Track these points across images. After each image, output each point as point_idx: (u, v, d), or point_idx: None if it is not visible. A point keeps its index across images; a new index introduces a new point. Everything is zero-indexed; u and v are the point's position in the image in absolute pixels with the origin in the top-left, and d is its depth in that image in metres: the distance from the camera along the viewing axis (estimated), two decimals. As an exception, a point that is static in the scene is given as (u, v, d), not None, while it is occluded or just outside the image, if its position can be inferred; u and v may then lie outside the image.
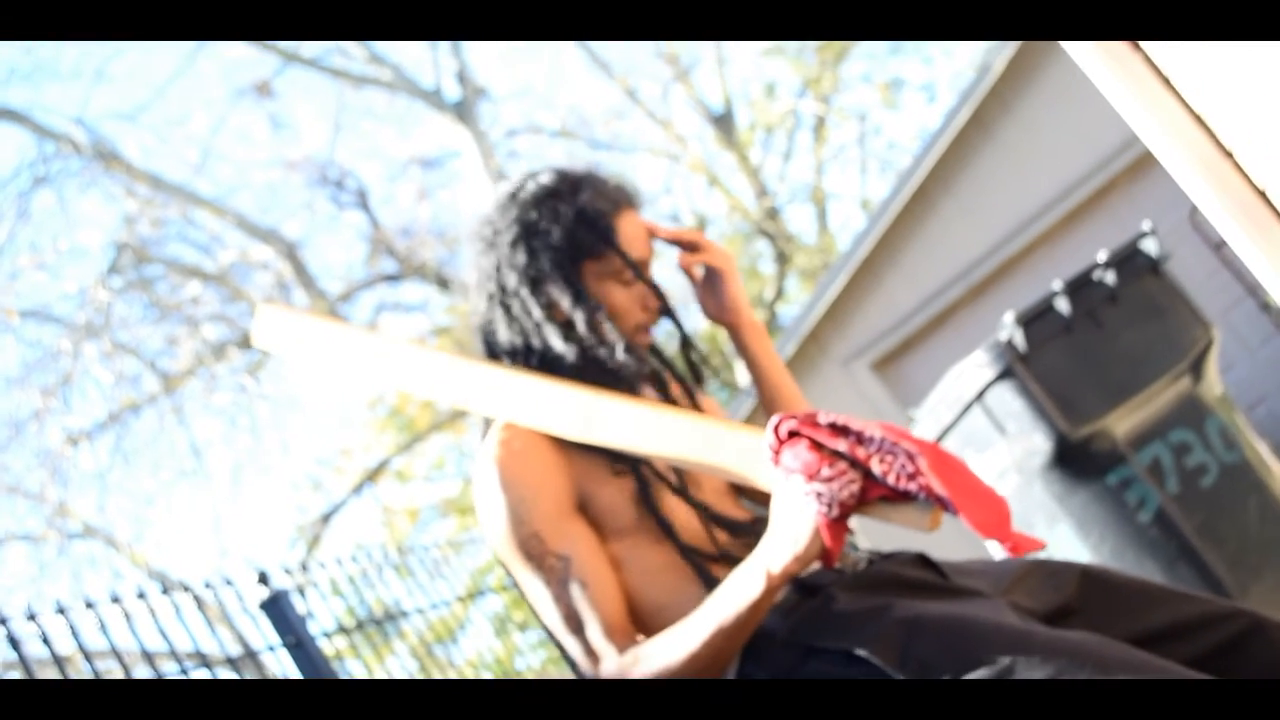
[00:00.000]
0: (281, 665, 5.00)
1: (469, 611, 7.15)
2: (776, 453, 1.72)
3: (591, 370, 2.09)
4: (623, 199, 2.21)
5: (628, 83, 22.31)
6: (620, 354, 2.09)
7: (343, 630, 5.58)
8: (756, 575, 1.74)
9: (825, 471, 1.65)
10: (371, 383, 2.65)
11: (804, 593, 1.92)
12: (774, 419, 1.73)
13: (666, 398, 2.23)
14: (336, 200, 21.30)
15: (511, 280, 2.11)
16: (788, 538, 1.70)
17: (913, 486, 1.62)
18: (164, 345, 19.79)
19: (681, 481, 2.05)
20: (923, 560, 1.97)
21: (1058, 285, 4.91)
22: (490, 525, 2.00)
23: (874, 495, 1.66)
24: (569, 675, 7.34)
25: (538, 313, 2.10)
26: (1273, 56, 2.29)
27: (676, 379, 2.25)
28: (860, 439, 1.66)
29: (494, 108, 22.34)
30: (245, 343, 19.93)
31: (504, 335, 2.13)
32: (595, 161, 2.23)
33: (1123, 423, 4.77)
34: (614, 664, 1.87)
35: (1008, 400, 4.85)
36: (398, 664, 5.97)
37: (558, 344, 2.09)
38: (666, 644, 1.83)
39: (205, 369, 19.34)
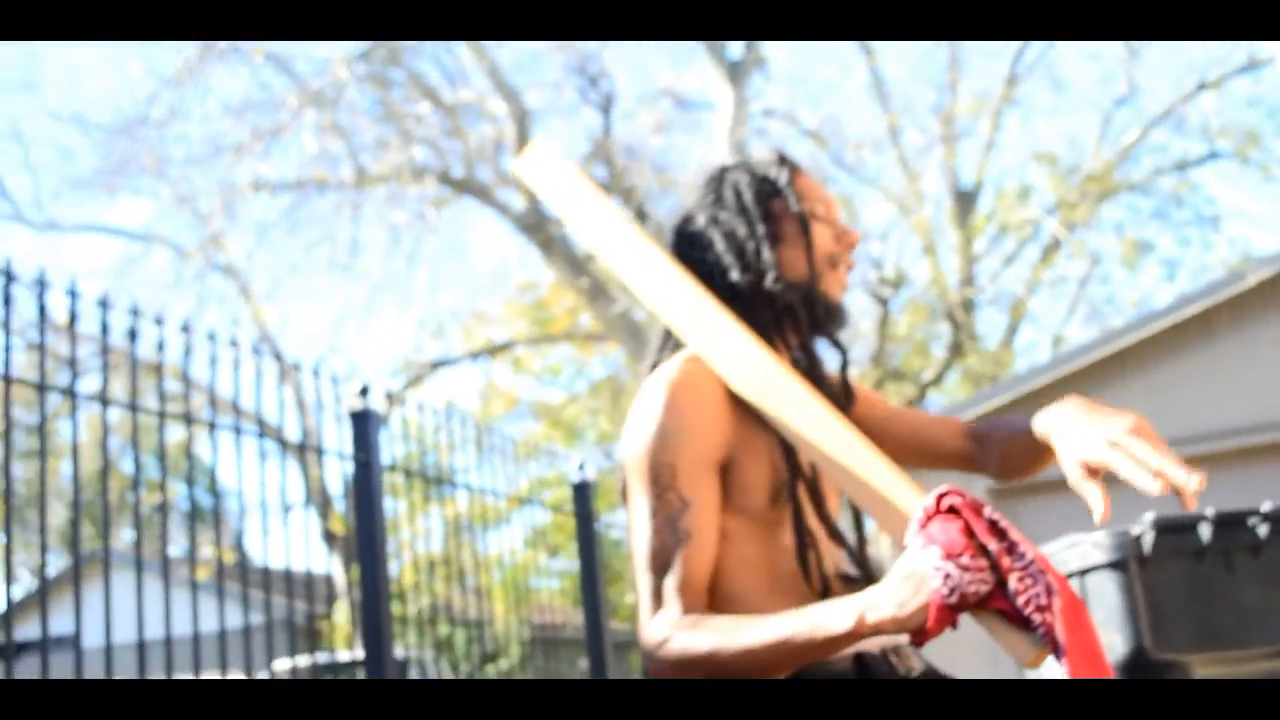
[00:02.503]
0: (341, 475, 5.10)
1: (514, 511, 7.21)
2: (928, 518, 1.69)
3: (751, 297, 2.10)
4: (798, 165, 2.23)
5: (897, 121, 22.14)
6: (771, 281, 2.08)
7: (404, 471, 5.67)
8: (849, 614, 1.70)
9: (965, 560, 1.62)
10: (596, 252, 2.66)
11: (856, 664, 1.91)
12: (943, 487, 1.71)
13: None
14: (583, 93, 21.46)
15: (707, 216, 2.18)
16: (897, 598, 1.66)
17: (1037, 618, 1.59)
18: (373, 144, 20.12)
19: (824, 505, 2.03)
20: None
21: (1209, 512, 4.77)
22: (635, 437, 1.99)
23: (996, 605, 1.63)
24: (568, 619, 7.39)
25: (740, 232, 2.13)
26: None
27: (827, 393, 2.22)
28: (1011, 549, 1.64)
29: (765, 82, 22.27)
30: (444, 176, 20.24)
31: (702, 266, 2.15)
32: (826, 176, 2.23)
33: (1204, 666, 4.64)
34: (675, 617, 1.85)
35: (1108, 590, 4.74)
36: (430, 525, 6.05)
37: (734, 271, 2.11)
38: (731, 627, 1.80)
39: (398, 184, 19.62)
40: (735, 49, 21.24)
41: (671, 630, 1.84)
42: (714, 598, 1.95)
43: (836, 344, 2.22)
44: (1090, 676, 1.58)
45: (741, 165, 2.22)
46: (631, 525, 1.99)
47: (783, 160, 2.20)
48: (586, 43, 21.46)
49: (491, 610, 7.05)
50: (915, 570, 1.66)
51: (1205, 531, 4.71)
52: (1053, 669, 1.61)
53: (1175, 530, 4.69)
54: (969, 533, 1.65)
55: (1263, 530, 4.75)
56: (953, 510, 1.68)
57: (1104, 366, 10.25)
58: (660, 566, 1.90)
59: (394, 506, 5.84)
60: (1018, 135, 32.00)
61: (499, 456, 6.58)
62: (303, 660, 7.96)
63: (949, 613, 1.62)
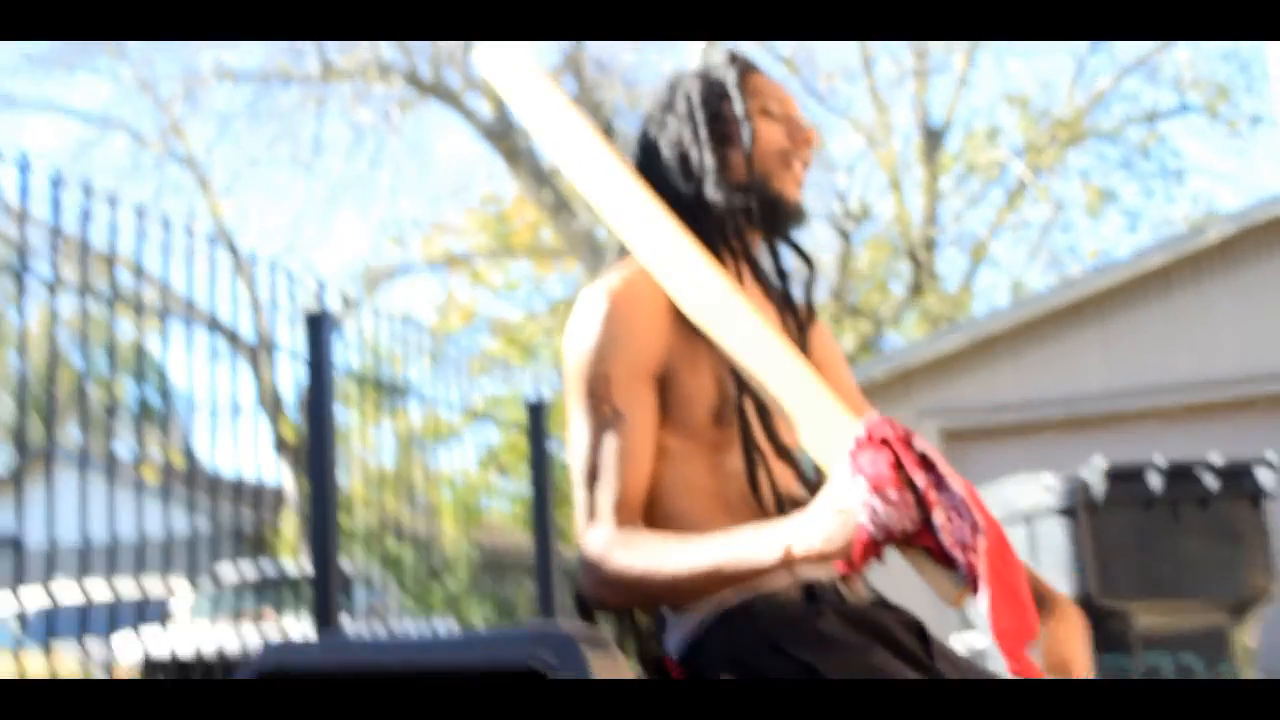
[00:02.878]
0: (294, 378, 5.04)
1: (467, 428, 7.18)
2: (859, 448, 1.63)
3: (694, 203, 2.07)
4: (754, 65, 2.18)
5: (870, 51, 22.00)
6: (711, 190, 2.05)
7: (357, 378, 5.60)
8: (774, 545, 1.69)
9: (891, 494, 1.58)
10: (551, 153, 2.61)
11: (806, 594, 1.89)
12: (873, 416, 1.67)
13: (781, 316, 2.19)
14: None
15: (657, 123, 2.15)
16: (822, 530, 1.64)
17: (959, 556, 1.57)
18: (340, 43, 19.85)
19: (773, 424, 1.99)
20: (918, 629, 1.93)
21: (1160, 461, 4.80)
22: (575, 347, 1.96)
23: (921, 542, 1.60)
24: (518, 542, 7.39)
25: (683, 138, 2.10)
26: None
27: (789, 302, 2.19)
28: (940, 484, 1.59)
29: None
30: (412, 77, 20.00)
31: (653, 175, 2.12)
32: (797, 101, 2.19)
33: (1146, 616, 4.70)
34: (607, 533, 1.84)
35: (1056, 535, 4.78)
36: (381, 437, 6.00)
37: (677, 179, 2.08)
38: (660, 549, 1.79)
39: (363, 81, 19.40)
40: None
41: (605, 548, 1.83)
42: (655, 517, 1.93)
43: (799, 252, 2.19)
44: (1011, 620, 1.54)
45: (695, 71, 2.18)
46: (568, 438, 1.97)
47: (734, 59, 2.15)
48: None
49: (440, 529, 7.03)
50: (839, 502, 1.63)
51: (1155, 481, 4.74)
52: (976, 608, 1.58)
53: (1125, 478, 4.71)
54: (898, 466, 1.60)
55: (1211, 483, 4.79)
56: (884, 442, 1.62)
57: (1061, 315, 10.28)
58: (593, 480, 1.89)
59: (346, 417, 5.79)
60: (991, 74, 31.96)
61: (454, 370, 6.53)
62: (248, 568, 7.92)
63: (874, 547, 1.59)
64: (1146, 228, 22.33)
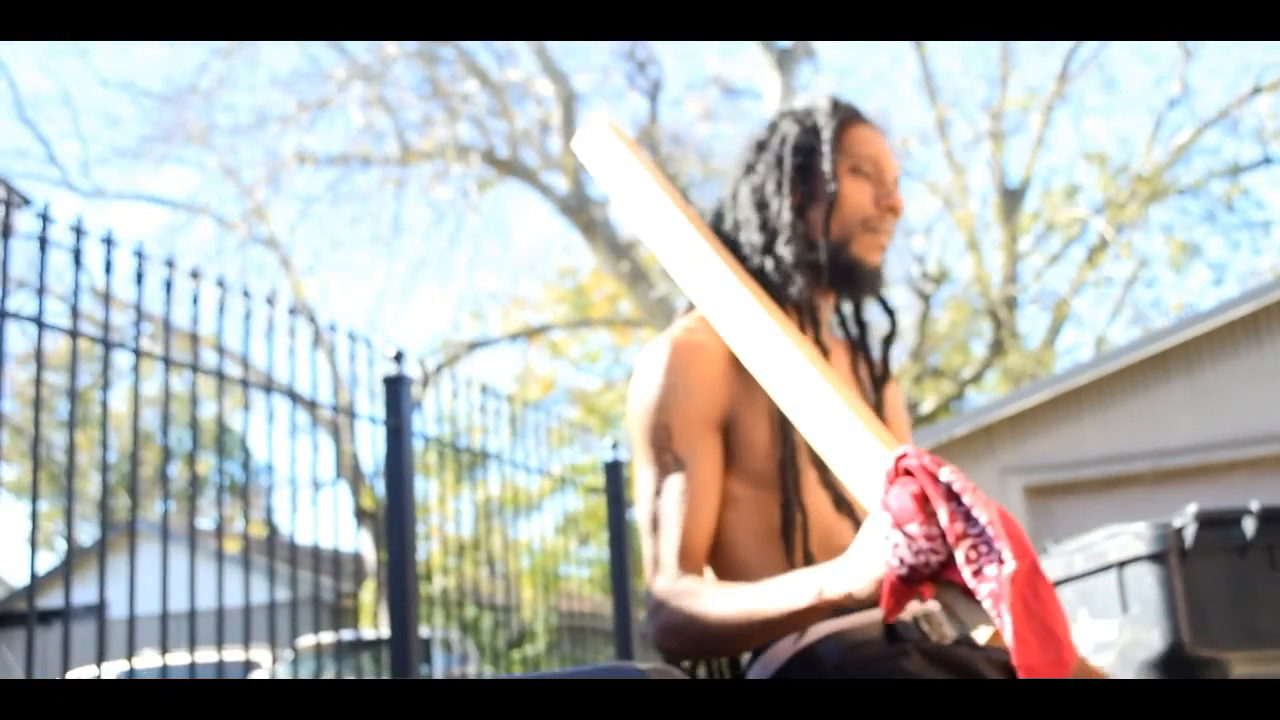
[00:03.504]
0: (371, 442, 5.07)
1: (546, 497, 7.17)
2: (890, 482, 1.56)
3: (764, 257, 2.04)
4: (857, 114, 2.14)
5: (945, 114, 22.02)
6: (784, 246, 2.02)
7: (437, 442, 5.63)
8: (809, 589, 1.65)
9: (913, 529, 1.49)
10: (634, 224, 2.62)
11: (888, 632, 1.85)
12: (904, 448, 1.58)
13: (855, 367, 2.17)
14: (631, 78, 21.46)
15: (744, 169, 2.14)
16: (852, 571, 1.59)
17: (982, 590, 1.46)
18: (419, 121, 20.17)
19: (829, 473, 1.95)
20: (1007, 667, 1.87)
21: (1254, 506, 4.69)
22: (637, 397, 1.96)
23: (949, 576, 1.50)
24: (597, 608, 7.37)
25: (767, 189, 2.08)
26: None
27: (867, 358, 2.16)
28: (966, 516, 1.49)
29: (813, 73, 22.18)
30: (489, 156, 20.25)
31: (730, 225, 2.12)
32: None
33: (1243, 665, 4.56)
34: (670, 580, 1.82)
35: (1147, 582, 4.67)
36: (461, 504, 6.01)
37: (752, 231, 2.06)
38: (714, 598, 1.77)
39: (442, 161, 19.65)
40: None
41: (666, 594, 1.81)
42: (724, 564, 1.92)
43: (884, 306, 2.16)
44: (1040, 654, 1.44)
45: (794, 114, 2.15)
46: (636, 489, 1.95)
47: (837, 108, 2.12)
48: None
49: (520, 595, 7.03)
50: (869, 541, 1.57)
51: (1249, 526, 4.63)
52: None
53: (1218, 524, 4.61)
54: (924, 498, 1.51)
55: (1309, 528, 4.69)
56: (909, 473, 1.55)
57: (1146, 367, 10.16)
58: (656, 528, 1.88)
59: (425, 488, 5.80)
60: (1068, 133, 31.87)
61: (533, 438, 6.54)
62: (327, 636, 7.94)
63: (904, 585, 1.51)
64: (1233, 280, 22.08)
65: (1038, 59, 28.55)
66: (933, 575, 1.51)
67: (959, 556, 1.48)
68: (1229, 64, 31.60)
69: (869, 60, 28.97)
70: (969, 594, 1.50)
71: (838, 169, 2.05)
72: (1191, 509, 4.69)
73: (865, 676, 1.77)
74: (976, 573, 1.46)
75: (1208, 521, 4.61)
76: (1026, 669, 1.43)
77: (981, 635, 1.53)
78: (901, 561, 1.50)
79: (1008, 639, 1.44)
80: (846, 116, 2.11)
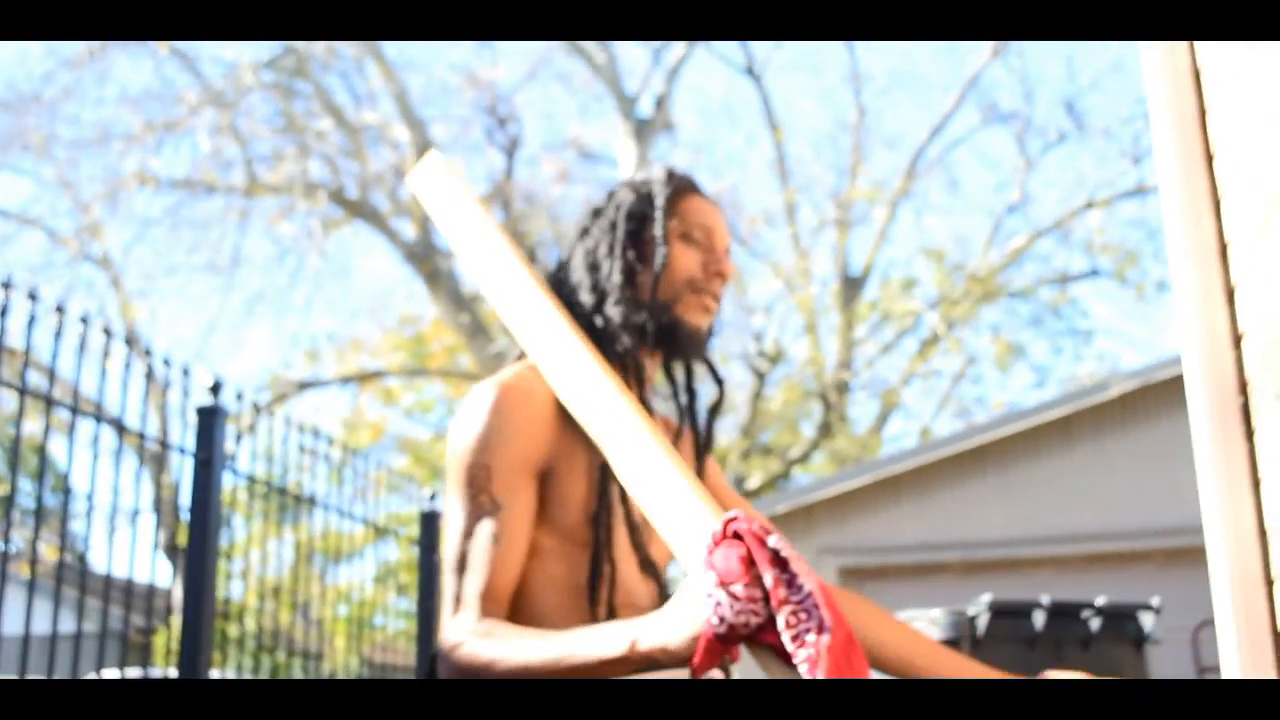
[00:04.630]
0: (174, 472, 4.96)
1: (367, 545, 7.07)
2: (715, 544, 1.57)
3: (592, 315, 2.07)
4: (692, 186, 2.19)
5: (794, 198, 22.44)
6: (611, 306, 2.05)
7: (251, 481, 5.51)
8: (622, 640, 1.64)
9: (737, 589, 1.50)
10: (469, 270, 2.60)
11: None
12: (735, 511, 1.60)
13: (679, 430, 2.19)
14: (490, 133, 21.49)
15: (581, 232, 2.17)
16: (669, 625, 1.59)
17: (800, 656, 1.48)
18: (270, 154, 19.92)
19: (640, 534, 1.98)
20: None
21: (1045, 600, 4.84)
22: (459, 435, 1.94)
23: (766, 639, 1.52)
24: (408, 659, 7.27)
25: (599, 252, 2.11)
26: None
27: (693, 425, 2.19)
28: (790, 584, 1.52)
29: (670, 145, 22.46)
30: (338, 196, 20.06)
31: (564, 285, 2.14)
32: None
33: (1024, 756, 4.70)
34: (470, 621, 1.80)
35: (939, 670, 4.77)
36: (279, 546, 5.89)
37: (583, 291, 2.09)
38: (517, 642, 1.75)
39: (289, 197, 19.42)
40: (644, 107, 21.40)
41: (464, 636, 1.78)
42: (521, 614, 1.90)
43: (710, 370, 2.19)
44: None
45: (632, 182, 2.19)
46: (444, 526, 1.94)
47: (671, 177, 2.16)
48: (498, 84, 21.50)
49: (331, 643, 6.91)
50: (690, 598, 1.58)
51: (1039, 619, 4.78)
52: None
53: (1010, 615, 4.76)
54: (749, 561, 1.53)
55: (1094, 624, 4.84)
56: (738, 536, 1.57)
57: (964, 460, 10.40)
58: (463, 568, 1.86)
59: (243, 527, 5.69)
60: (909, 228, 32.63)
61: (358, 484, 6.44)
62: (130, 671, 7.67)
63: (719, 644, 1.52)
64: (1053, 384, 22.79)
65: (887, 154, 29.33)
66: (749, 636, 1.52)
67: (780, 620, 1.49)
68: (1066, 176, 32.76)
69: (725, 138, 29.40)
70: (785, 658, 1.51)
71: (668, 234, 2.08)
72: (985, 599, 4.82)
73: None
74: (795, 637, 1.48)
75: (1000, 611, 4.75)
76: None
77: None
78: (721, 620, 1.50)
79: None
80: (681, 186, 2.15)
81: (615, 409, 1.89)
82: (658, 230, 2.08)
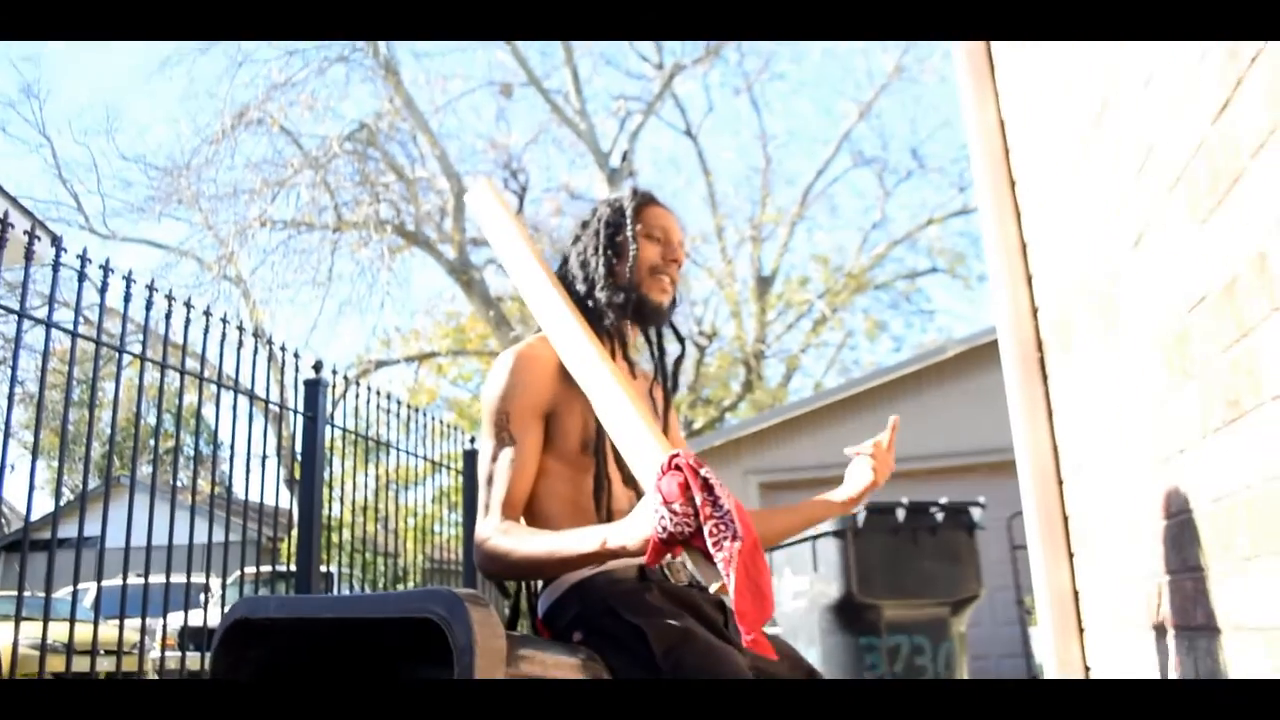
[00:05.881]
0: (290, 426, 4.91)
1: (427, 474, 7.02)
2: (663, 471, 1.57)
3: (586, 298, 2.04)
4: (652, 198, 2.15)
5: (722, 222, 22.43)
6: (599, 291, 2.03)
7: (346, 431, 5.47)
8: (596, 539, 1.63)
9: (676, 507, 1.50)
10: (502, 260, 2.58)
11: (639, 574, 1.85)
12: (677, 450, 1.60)
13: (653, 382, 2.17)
14: (505, 181, 21.37)
15: (573, 237, 2.14)
16: (628, 530, 1.59)
17: (719, 556, 1.48)
18: (351, 200, 19.74)
19: (621, 460, 1.96)
20: (721, 605, 1.89)
21: (905, 501, 4.84)
22: (489, 387, 1.93)
23: (696, 543, 1.52)
24: (460, 557, 7.26)
25: (587, 251, 2.08)
26: (1122, 441, 2.27)
27: (662, 376, 2.17)
28: (714, 504, 1.51)
29: (633, 186, 22.34)
30: (400, 229, 19.90)
31: (565, 277, 2.10)
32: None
33: (891, 610, 4.69)
34: (495, 521, 1.79)
35: (830, 551, 4.77)
36: (361, 479, 5.85)
37: (578, 282, 2.06)
38: (526, 537, 1.75)
39: (366, 230, 19.26)
40: (615, 160, 21.32)
41: (490, 532, 1.78)
42: (534, 517, 1.89)
43: (675, 333, 2.16)
44: (750, 605, 1.47)
45: (609, 200, 2.16)
46: (479, 455, 1.93)
47: (635, 193, 2.14)
48: (511, 146, 21.37)
49: (404, 546, 6.87)
50: (645, 510, 1.57)
51: (900, 514, 4.79)
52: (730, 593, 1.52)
53: (879, 512, 4.76)
54: (686, 486, 1.53)
55: (939, 517, 4.84)
56: (678, 468, 1.56)
57: (846, 404, 10.40)
58: (489, 483, 1.84)
59: (340, 465, 5.64)
60: (804, 240, 32.70)
61: (419, 433, 6.42)
62: (263, 568, 7.66)
63: (662, 545, 1.52)
64: (908, 349, 22.90)
65: (786, 189, 29.27)
66: (684, 541, 1.52)
67: (706, 530, 1.49)
68: (913, 201, 32.83)
69: (671, 181, 29.25)
70: (708, 557, 1.51)
71: (636, 235, 2.06)
72: (863, 503, 4.84)
73: (621, 604, 1.76)
74: (716, 544, 1.47)
75: (873, 510, 4.75)
76: (740, 614, 1.45)
77: (712, 587, 1.53)
78: (664, 529, 1.50)
79: (731, 591, 1.46)
80: (644, 199, 2.12)
81: (598, 370, 1.87)
82: (628, 233, 2.05)
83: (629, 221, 2.07)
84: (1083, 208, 2.55)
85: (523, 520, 1.88)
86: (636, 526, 1.58)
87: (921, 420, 10.05)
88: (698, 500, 1.51)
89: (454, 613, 1.46)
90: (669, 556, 1.67)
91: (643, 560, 1.62)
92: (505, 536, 1.76)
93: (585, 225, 2.14)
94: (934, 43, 23.25)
